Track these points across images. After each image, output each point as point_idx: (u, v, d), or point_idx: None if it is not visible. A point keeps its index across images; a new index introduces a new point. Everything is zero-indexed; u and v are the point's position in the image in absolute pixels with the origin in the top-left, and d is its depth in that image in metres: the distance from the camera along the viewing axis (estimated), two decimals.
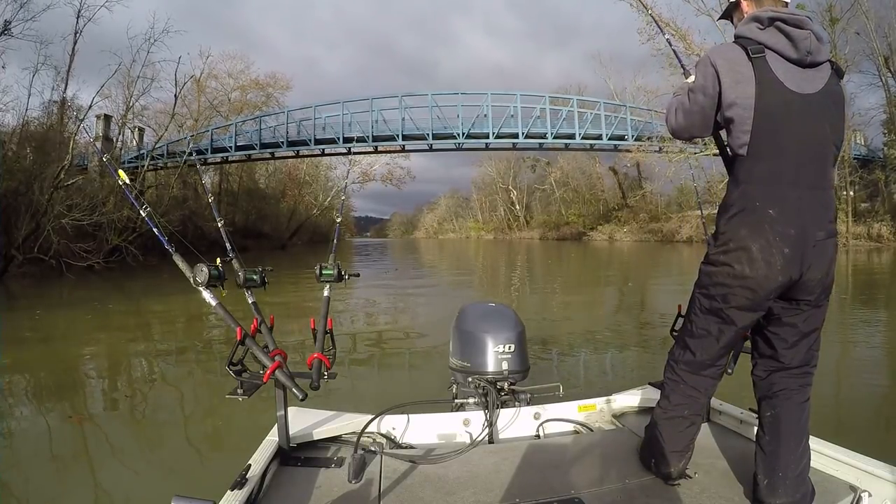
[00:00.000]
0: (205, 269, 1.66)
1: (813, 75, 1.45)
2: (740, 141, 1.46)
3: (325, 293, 2.08)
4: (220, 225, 2.21)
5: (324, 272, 2.08)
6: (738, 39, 1.50)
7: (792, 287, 1.45)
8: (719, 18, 1.77)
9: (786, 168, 1.42)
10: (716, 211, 1.61)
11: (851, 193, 30.82)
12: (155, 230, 1.81)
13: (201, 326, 8.24)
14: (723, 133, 1.60)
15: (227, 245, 2.10)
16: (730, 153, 1.54)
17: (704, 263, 1.57)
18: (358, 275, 2.27)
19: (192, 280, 1.67)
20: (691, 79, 1.57)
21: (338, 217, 2.75)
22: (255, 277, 1.94)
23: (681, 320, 1.77)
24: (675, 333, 1.89)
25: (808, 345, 1.54)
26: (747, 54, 1.44)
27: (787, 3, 1.56)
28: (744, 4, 1.59)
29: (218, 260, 1.75)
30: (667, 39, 2.15)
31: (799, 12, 1.49)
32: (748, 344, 1.76)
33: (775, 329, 1.54)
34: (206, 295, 1.68)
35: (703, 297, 1.56)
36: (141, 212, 1.81)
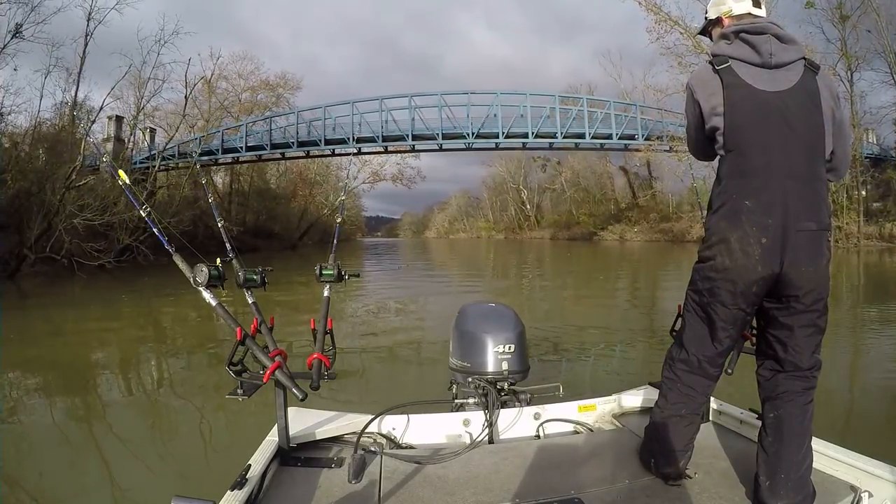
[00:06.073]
0: (204, 269, 1.67)
1: (782, 75, 1.49)
2: (720, 143, 1.53)
3: (325, 293, 2.09)
4: (220, 225, 2.23)
5: (323, 272, 2.09)
6: (711, 58, 1.59)
7: (778, 282, 1.45)
8: (697, 34, 1.89)
9: (765, 161, 1.45)
10: None
11: (863, 193, 30.38)
12: (155, 230, 1.82)
13: (205, 326, 8.29)
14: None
15: (227, 245, 2.11)
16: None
17: (696, 263, 1.61)
18: (358, 275, 2.27)
19: (191, 280, 1.68)
20: None
21: (338, 217, 2.76)
22: (255, 277, 1.93)
23: (680, 320, 1.77)
24: (674, 333, 1.89)
25: (809, 350, 1.52)
26: (714, 68, 1.54)
27: (757, 15, 1.61)
28: (725, 21, 1.66)
29: (218, 260, 1.75)
30: None
31: (761, 19, 1.58)
32: (749, 344, 1.76)
33: (775, 332, 1.55)
34: (206, 295, 1.69)
35: (694, 294, 1.61)
36: (140, 212, 1.83)
